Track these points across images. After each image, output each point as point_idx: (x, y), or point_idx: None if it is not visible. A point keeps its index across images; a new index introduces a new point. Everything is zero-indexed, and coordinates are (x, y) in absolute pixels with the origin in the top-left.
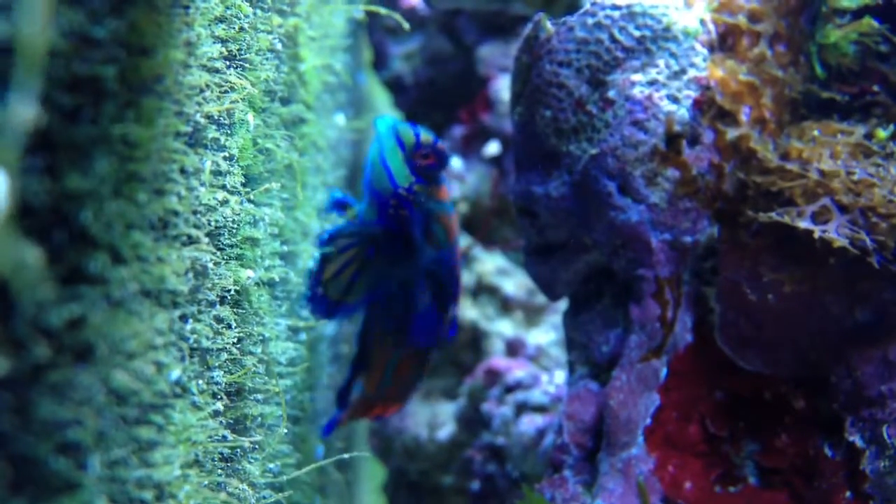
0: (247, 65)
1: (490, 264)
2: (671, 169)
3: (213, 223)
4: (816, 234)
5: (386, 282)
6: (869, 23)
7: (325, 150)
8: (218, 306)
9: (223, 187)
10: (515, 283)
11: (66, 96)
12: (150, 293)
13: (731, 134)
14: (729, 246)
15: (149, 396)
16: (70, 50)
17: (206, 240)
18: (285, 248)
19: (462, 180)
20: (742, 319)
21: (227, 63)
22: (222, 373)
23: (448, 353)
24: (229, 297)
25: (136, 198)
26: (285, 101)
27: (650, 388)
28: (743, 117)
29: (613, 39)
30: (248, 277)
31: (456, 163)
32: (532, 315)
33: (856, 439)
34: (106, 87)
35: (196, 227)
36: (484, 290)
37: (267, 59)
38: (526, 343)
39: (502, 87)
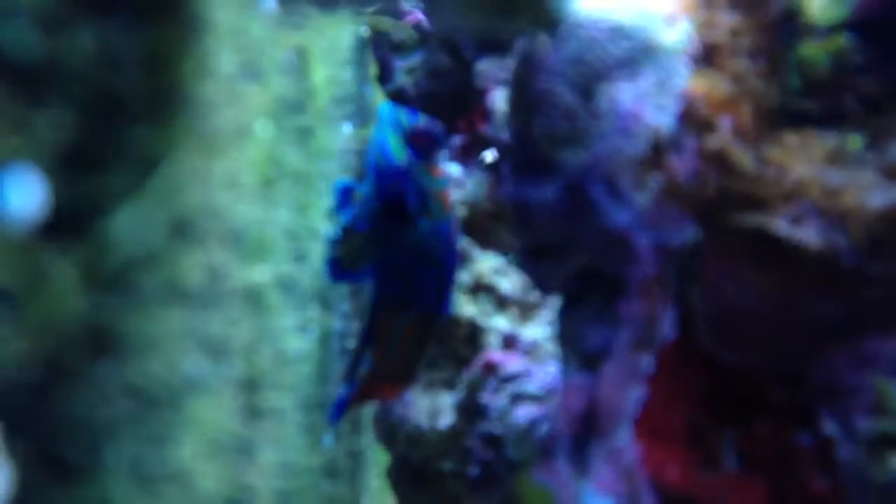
0: (260, 77)
1: (487, 264)
2: (657, 175)
3: (226, 224)
4: (794, 237)
5: (388, 251)
6: (843, 38)
7: (333, 158)
8: (235, 303)
9: (239, 192)
10: (511, 281)
11: (91, 106)
12: (172, 292)
13: (713, 143)
14: (711, 248)
15: (170, 388)
16: (95, 62)
17: (221, 242)
18: (296, 248)
19: (461, 186)
20: (724, 317)
21: (242, 75)
22: (239, 366)
23: (447, 347)
24: (245, 295)
25: (157, 202)
26: (297, 110)
27: (637, 381)
28: (724, 127)
29: (603, 53)
30: (262, 277)
31: (454, 169)
32: (526, 311)
33: (830, 429)
34: (127, 98)
35: (210, 226)
36: (481, 289)
37: (279, 72)
38: (521, 338)
39: (499, 99)
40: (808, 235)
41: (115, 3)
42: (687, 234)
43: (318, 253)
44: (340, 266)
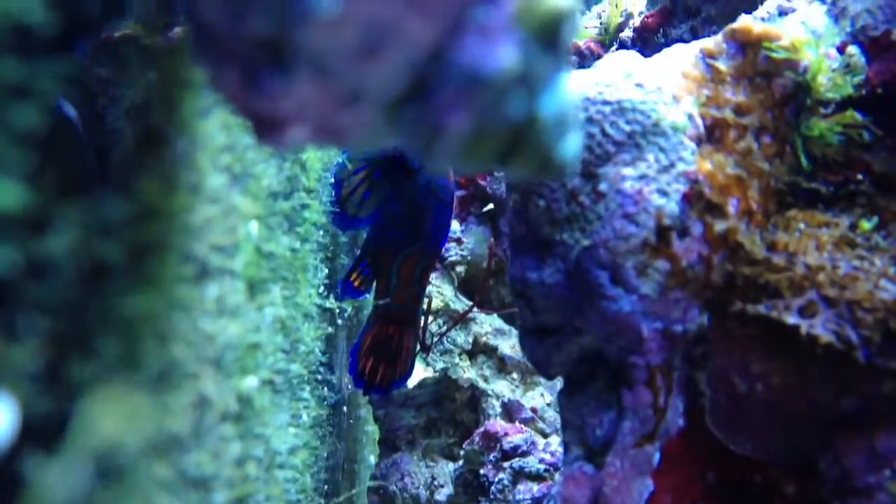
0: (251, 180)
1: (487, 325)
2: (661, 261)
3: (215, 349)
4: (803, 330)
5: (390, 199)
6: (852, 115)
7: (327, 224)
8: (220, 426)
9: (226, 311)
10: (511, 343)
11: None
12: (153, 447)
13: (719, 226)
14: (718, 335)
15: None
16: (81, 240)
17: (210, 369)
18: (287, 339)
19: (459, 243)
20: (732, 406)
21: (232, 184)
22: (226, 491)
23: (447, 411)
24: (231, 414)
25: (140, 361)
26: (287, 196)
27: (643, 474)
28: (730, 209)
29: (604, 134)
30: (251, 386)
31: (454, 225)
32: (528, 376)
33: None
34: (112, 266)
35: (199, 360)
36: (481, 351)
37: (270, 164)
38: (522, 406)
39: None
40: (818, 328)
41: (101, 180)
42: (693, 320)
43: (311, 333)
44: (344, 214)
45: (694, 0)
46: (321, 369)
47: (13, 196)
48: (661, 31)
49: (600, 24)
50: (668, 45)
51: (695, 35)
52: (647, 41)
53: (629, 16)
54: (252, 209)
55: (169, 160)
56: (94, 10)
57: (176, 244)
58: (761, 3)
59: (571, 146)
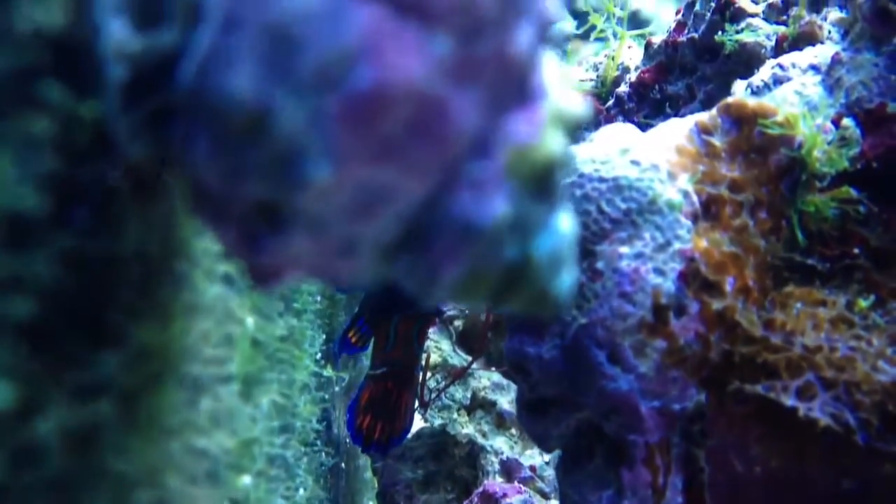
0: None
1: (485, 380)
2: (658, 340)
3: (210, 461)
4: (801, 413)
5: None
6: (847, 190)
7: (324, 289)
8: None
9: (221, 421)
10: (509, 399)
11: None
12: None
13: (716, 305)
14: (716, 413)
15: None
16: (70, 415)
17: (204, 487)
18: (283, 419)
19: None
20: (730, 484)
21: (228, 289)
22: None
23: (445, 466)
24: None
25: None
26: None
27: None
28: (727, 287)
29: (601, 211)
30: (245, 484)
31: None
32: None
33: None
34: (104, 422)
35: (192, 482)
36: (479, 406)
37: None
38: (521, 464)
39: None
40: (816, 411)
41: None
42: (691, 399)
43: (308, 406)
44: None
45: (690, 58)
46: (318, 441)
47: (1, 397)
48: (657, 87)
49: (597, 76)
50: (664, 100)
51: (690, 92)
52: (644, 97)
53: (626, 69)
54: (248, 307)
55: (167, 295)
56: (87, 175)
57: (171, 373)
58: (757, 67)
59: (566, 282)
